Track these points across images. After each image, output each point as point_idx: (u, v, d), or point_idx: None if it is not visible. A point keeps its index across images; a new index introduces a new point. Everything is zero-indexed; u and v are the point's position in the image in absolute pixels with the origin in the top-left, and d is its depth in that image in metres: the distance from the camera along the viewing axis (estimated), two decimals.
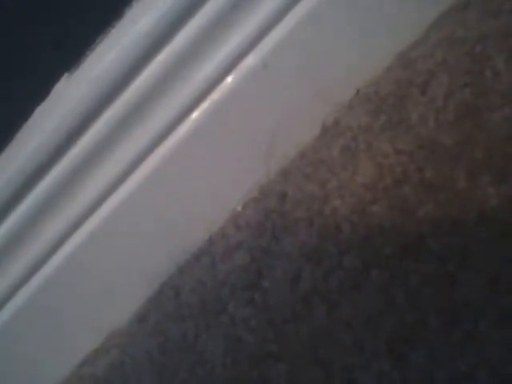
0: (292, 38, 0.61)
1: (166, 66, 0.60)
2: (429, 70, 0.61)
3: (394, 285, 0.52)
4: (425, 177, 0.55)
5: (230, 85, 0.62)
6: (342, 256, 0.57)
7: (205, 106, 0.63)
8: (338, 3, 0.60)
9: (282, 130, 0.66)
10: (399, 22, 0.63)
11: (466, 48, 0.59)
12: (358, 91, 0.65)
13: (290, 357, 0.56)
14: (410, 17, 0.63)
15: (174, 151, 0.64)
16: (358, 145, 0.62)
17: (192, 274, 0.69)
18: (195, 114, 0.63)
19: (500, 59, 0.56)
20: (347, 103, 0.66)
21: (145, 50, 0.59)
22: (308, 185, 0.64)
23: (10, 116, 0.62)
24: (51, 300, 0.70)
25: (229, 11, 0.59)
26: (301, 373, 0.54)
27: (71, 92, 0.61)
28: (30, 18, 0.60)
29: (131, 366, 0.69)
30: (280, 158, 0.67)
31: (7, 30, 0.60)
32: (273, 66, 0.62)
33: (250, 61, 0.62)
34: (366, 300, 0.53)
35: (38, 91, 0.61)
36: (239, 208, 0.69)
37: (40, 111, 0.62)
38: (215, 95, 0.63)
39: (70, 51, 0.60)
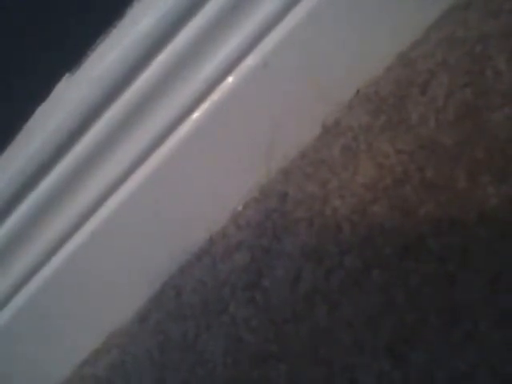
0: (292, 38, 0.61)
1: (167, 66, 0.60)
2: (429, 70, 0.61)
3: (394, 285, 0.52)
4: (425, 177, 0.55)
5: (230, 85, 0.62)
6: (342, 256, 0.57)
7: (205, 106, 0.63)
8: (338, 3, 0.60)
9: (283, 129, 0.66)
10: (399, 22, 0.63)
11: (467, 48, 0.59)
12: (358, 91, 0.65)
13: (291, 357, 0.56)
14: (411, 17, 0.63)
15: (175, 151, 0.64)
16: (358, 145, 0.62)
17: (193, 273, 0.69)
18: (196, 114, 0.63)
19: (501, 59, 0.56)
20: (347, 103, 0.66)
21: (146, 50, 0.59)
22: (309, 185, 0.64)
23: (12, 116, 0.63)
24: (52, 300, 0.70)
25: (229, 11, 0.59)
26: (301, 373, 0.54)
27: (72, 92, 0.61)
28: (30, 18, 0.60)
29: (132, 366, 0.69)
30: (280, 158, 0.67)
31: (8, 29, 0.60)
32: (273, 66, 0.62)
33: (251, 61, 0.62)
34: (366, 300, 0.53)
35: (39, 91, 0.62)
36: (240, 208, 0.69)
37: (41, 111, 0.62)
38: (216, 95, 0.63)
39: (71, 51, 0.60)
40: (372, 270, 0.54)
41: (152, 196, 0.66)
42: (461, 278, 0.48)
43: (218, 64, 0.61)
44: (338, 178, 0.62)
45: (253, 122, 0.65)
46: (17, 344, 0.72)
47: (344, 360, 0.52)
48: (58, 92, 0.61)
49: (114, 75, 0.60)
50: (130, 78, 0.60)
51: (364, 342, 0.51)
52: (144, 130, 0.63)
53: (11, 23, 0.60)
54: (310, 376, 0.54)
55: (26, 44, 0.61)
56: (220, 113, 0.63)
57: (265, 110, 0.65)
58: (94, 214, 0.67)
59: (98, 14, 0.60)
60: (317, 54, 0.63)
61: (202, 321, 0.65)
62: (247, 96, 0.63)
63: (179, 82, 0.62)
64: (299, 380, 0.54)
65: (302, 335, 0.56)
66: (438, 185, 0.54)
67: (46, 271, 0.69)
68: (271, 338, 0.58)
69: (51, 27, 0.60)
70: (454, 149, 0.55)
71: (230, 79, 0.62)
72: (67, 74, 0.61)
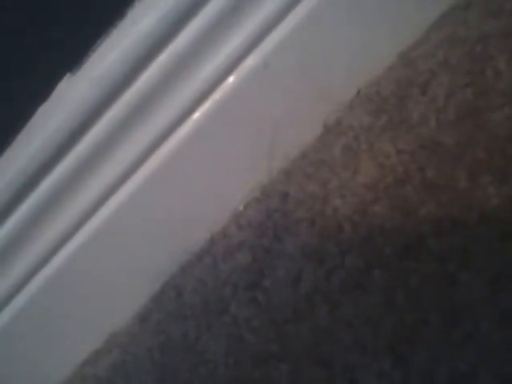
0: (293, 38, 0.61)
1: (168, 66, 0.60)
2: (430, 70, 0.61)
3: (394, 285, 0.52)
4: (426, 177, 0.55)
5: (231, 85, 0.62)
6: (343, 256, 0.57)
7: (206, 106, 0.63)
8: (338, 3, 0.60)
9: (284, 129, 0.66)
10: (400, 22, 0.63)
11: (467, 48, 0.59)
12: (359, 91, 0.65)
13: (292, 356, 0.56)
14: (411, 17, 0.63)
15: (176, 151, 0.64)
16: (359, 145, 0.62)
17: (194, 273, 0.69)
18: (197, 114, 0.63)
19: (501, 59, 0.56)
20: (348, 103, 0.66)
21: (146, 50, 0.59)
22: (310, 185, 0.64)
23: (13, 116, 0.63)
24: (53, 300, 0.70)
25: (230, 12, 0.59)
26: (302, 372, 0.54)
27: (73, 92, 0.61)
28: (32, 18, 0.60)
29: (133, 366, 0.69)
30: (281, 158, 0.67)
31: (9, 29, 0.60)
32: (274, 66, 0.62)
33: (251, 61, 0.62)
34: (367, 300, 0.53)
35: (40, 91, 0.62)
36: (241, 208, 0.69)
37: (42, 111, 0.62)
38: (217, 95, 0.63)
39: (71, 51, 0.60)
40: (373, 270, 0.54)
41: (153, 196, 0.66)
42: (461, 278, 0.48)
43: (218, 64, 0.61)
44: (339, 178, 0.62)
45: (254, 122, 0.65)
46: (18, 344, 0.72)
47: (345, 360, 0.52)
48: (59, 92, 0.61)
49: (114, 75, 0.60)
50: (130, 77, 0.60)
51: (364, 342, 0.52)
52: (145, 130, 0.63)
53: (12, 23, 0.60)
54: (310, 376, 0.54)
55: (27, 44, 0.61)
56: (221, 113, 0.63)
57: (266, 110, 0.65)
58: (94, 213, 0.67)
59: (98, 14, 0.60)
60: (317, 54, 0.63)
61: (203, 321, 0.65)
62: (248, 96, 0.63)
63: (180, 82, 0.62)
64: (300, 380, 0.54)
65: (302, 335, 0.56)
66: (439, 185, 0.54)
67: (47, 271, 0.69)
68: (272, 337, 0.58)
69: (52, 27, 0.60)
70: (455, 149, 0.55)
71: (230, 79, 0.62)
72: (68, 74, 0.61)
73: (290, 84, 0.64)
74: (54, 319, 0.71)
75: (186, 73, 0.61)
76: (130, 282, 0.71)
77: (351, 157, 0.62)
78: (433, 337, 0.48)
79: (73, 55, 0.60)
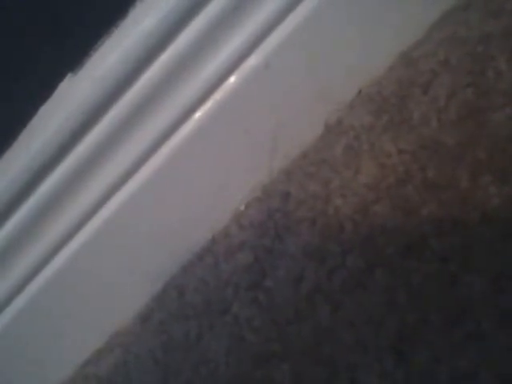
0: (294, 39, 0.61)
1: (169, 66, 0.61)
2: (431, 70, 0.61)
3: (396, 284, 0.52)
4: (427, 176, 0.55)
5: (232, 85, 0.62)
6: (345, 255, 0.57)
7: (208, 105, 0.63)
8: (339, 3, 0.61)
9: (285, 129, 0.66)
10: (401, 22, 0.63)
11: (468, 48, 0.59)
12: (360, 91, 0.65)
13: (293, 356, 0.56)
14: (412, 16, 0.63)
15: (177, 151, 0.64)
16: (360, 144, 0.62)
17: (195, 273, 0.69)
18: (198, 114, 0.63)
19: (502, 59, 0.56)
20: (349, 103, 0.66)
21: (148, 50, 0.59)
22: (311, 184, 0.64)
23: (14, 116, 0.63)
24: (55, 300, 0.70)
25: (231, 12, 0.59)
26: (304, 372, 0.54)
27: (75, 92, 0.61)
28: (33, 18, 0.60)
29: (135, 366, 0.69)
30: (283, 158, 0.67)
31: (10, 30, 0.60)
32: (275, 66, 0.62)
33: (253, 61, 0.62)
34: (368, 299, 0.53)
35: (42, 91, 0.62)
36: (242, 208, 0.69)
37: (44, 111, 0.62)
38: (218, 95, 0.63)
39: (73, 51, 0.60)
40: (374, 269, 0.54)
41: (154, 196, 0.66)
42: (463, 278, 0.48)
43: (219, 64, 0.62)
44: (340, 178, 0.62)
45: (255, 122, 0.65)
46: (19, 344, 0.72)
47: (346, 359, 0.52)
48: (60, 92, 0.61)
49: (116, 75, 0.60)
50: (132, 77, 0.60)
51: (366, 342, 0.52)
52: (146, 130, 0.63)
53: (14, 23, 0.60)
54: (312, 375, 0.54)
55: (28, 44, 0.61)
56: (222, 113, 0.63)
57: (267, 109, 0.65)
58: (96, 213, 0.67)
59: (100, 14, 0.60)
60: (318, 53, 0.63)
61: (205, 321, 0.65)
62: (249, 96, 0.63)
63: (181, 82, 0.62)
64: (301, 379, 0.54)
65: (304, 335, 0.56)
66: (440, 185, 0.54)
67: (49, 271, 0.69)
68: (274, 337, 0.58)
69: (54, 27, 0.60)
70: (456, 149, 0.55)
71: (232, 79, 0.62)
72: (70, 74, 0.61)
73: (291, 84, 0.64)
74: (56, 319, 0.71)
75: (187, 73, 0.61)
76: (131, 281, 0.71)
77: (352, 156, 0.62)
78: (434, 336, 0.48)
79: (74, 55, 0.60)
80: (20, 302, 0.70)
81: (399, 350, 0.49)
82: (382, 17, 0.63)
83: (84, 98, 0.61)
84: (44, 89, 0.62)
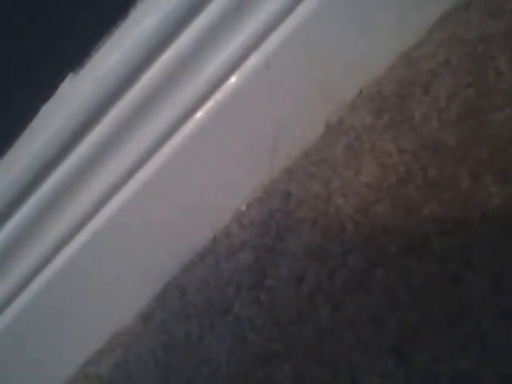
0: (295, 38, 0.61)
1: (170, 66, 0.61)
2: (431, 70, 0.61)
3: (397, 284, 0.52)
4: (428, 176, 0.55)
5: (233, 85, 0.62)
6: (346, 255, 0.57)
7: (208, 105, 0.63)
8: (339, 3, 0.61)
9: (286, 129, 0.66)
10: (401, 22, 0.63)
11: (469, 48, 0.59)
12: (361, 91, 0.65)
13: (295, 356, 0.56)
14: (412, 17, 0.63)
15: (178, 151, 0.64)
16: (361, 144, 0.62)
17: (196, 273, 0.69)
18: (199, 114, 0.63)
19: (502, 59, 0.56)
20: (350, 103, 0.66)
21: (149, 50, 0.59)
22: (312, 184, 0.64)
23: (16, 116, 0.63)
24: (56, 300, 0.70)
25: (232, 12, 0.59)
26: (305, 372, 0.54)
27: (76, 92, 0.61)
28: (34, 18, 0.60)
29: (136, 365, 0.69)
30: (284, 158, 0.67)
31: (11, 30, 0.60)
32: (276, 65, 0.62)
33: (253, 61, 0.62)
34: (370, 299, 0.54)
35: (43, 91, 0.62)
36: (243, 207, 0.69)
37: (45, 111, 0.62)
38: (219, 95, 0.63)
39: (74, 51, 0.60)
40: (375, 269, 0.54)
41: (155, 195, 0.66)
42: (464, 278, 0.49)
43: (220, 64, 0.62)
44: (341, 178, 0.62)
45: (256, 122, 0.65)
46: (20, 344, 0.72)
47: (347, 359, 0.52)
48: (61, 92, 0.62)
49: (117, 75, 0.60)
50: (133, 77, 0.60)
51: (367, 342, 0.52)
52: (147, 130, 0.63)
53: (15, 23, 0.60)
54: (313, 375, 0.54)
55: (29, 44, 0.61)
56: (223, 112, 0.64)
57: (268, 109, 0.65)
58: (97, 213, 0.67)
59: (101, 14, 0.60)
60: (319, 53, 0.63)
61: (206, 320, 0.65)
62: (250, 96, 0.63)
63: (182, 82, 0.62)
64: (303, 379, 0.54)
65: (305, 335, 0.56)
66: (441, 184, 0.54)
67: (50, 270, 0.69)
68: (275, 337, 0.58)
69: (55, 27, 0.61)
70: (457, 148, 0.55)
71: (232, 79, 0.62)
72: (71, 74, 0.61)
73: (291, 84, 0.64)
74: (57, 319, 0.71)
75: (188, 72, 0.61)
76: (132, 281, 0.71)
77: (353, 156, 0.62)
78: (435, 336, 0.48)
79: (75, 55, 0.60)
80: (21, 301, 0.70)
81: (400, 350, 0.49)
82: (381, 17, 0.63)
83: (85, 97, 0.61)
84: (45, 89, 0.62)
